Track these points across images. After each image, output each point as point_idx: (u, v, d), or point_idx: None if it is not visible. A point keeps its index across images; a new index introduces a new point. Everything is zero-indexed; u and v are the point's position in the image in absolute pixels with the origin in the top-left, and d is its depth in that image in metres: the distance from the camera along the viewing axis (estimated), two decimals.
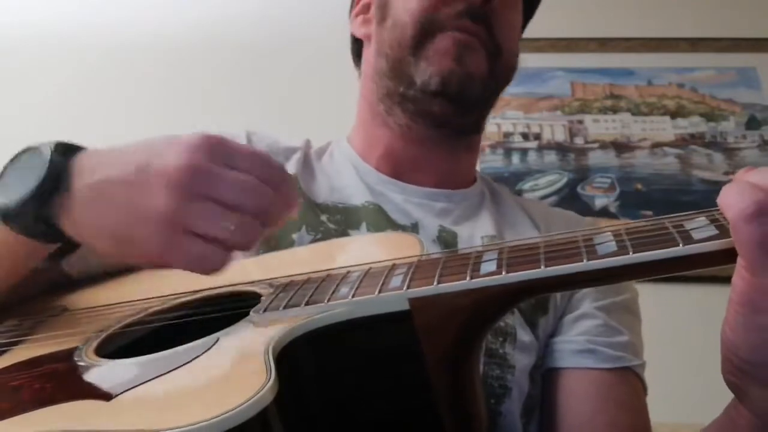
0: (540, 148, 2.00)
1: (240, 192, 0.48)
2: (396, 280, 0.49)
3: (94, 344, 0.54)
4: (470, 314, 0.47)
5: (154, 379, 0.44)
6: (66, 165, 0.53)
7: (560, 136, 2.03)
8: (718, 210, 0.43)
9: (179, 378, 0.44)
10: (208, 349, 0.47)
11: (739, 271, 0.40)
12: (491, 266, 0.47)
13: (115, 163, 0.51)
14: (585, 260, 0.44)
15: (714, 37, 2.08)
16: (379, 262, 0.54)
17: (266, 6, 2.17)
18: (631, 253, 0.43)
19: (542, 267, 0.45)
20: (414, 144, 0.82)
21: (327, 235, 0.74)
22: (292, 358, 0.45)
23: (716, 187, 1.90)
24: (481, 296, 0.46)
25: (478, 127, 0.86)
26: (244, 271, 0.61)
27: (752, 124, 2.01)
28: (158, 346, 0.49)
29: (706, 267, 0.42)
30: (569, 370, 0.73)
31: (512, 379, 0.69)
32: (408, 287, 0.47)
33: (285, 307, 0.50)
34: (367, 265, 0.54)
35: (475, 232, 0.78)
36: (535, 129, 2.03)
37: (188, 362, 0.45)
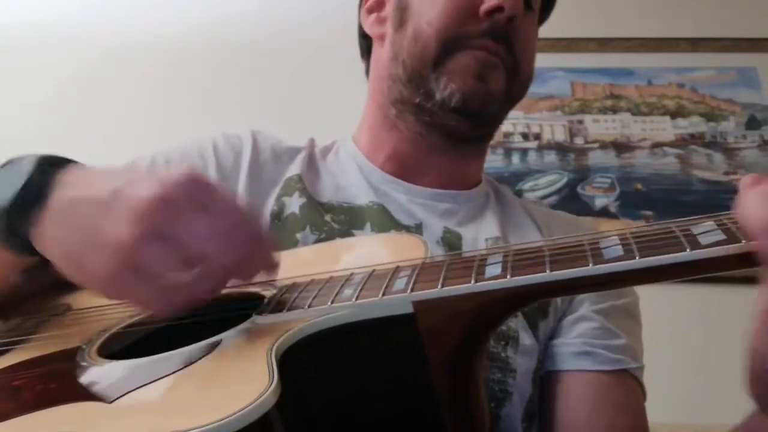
0: (540, 148, 2.01)
1: (206, 240, 0.44)
2: (400, 283, 0.49)
3: (97, 344, 0.54)
4: (474, 317, 0.46)
5: (155, 381, 0.44)
6: (49, 179, 0.51)
7: (560, 136, 2.03)
8: (726, 214, 0.42)
9: (181, 381, 0.44)
10: (211, 351, 0.46)
11: (766, 281, 0.39)
12: (496, 269, 0.47)
13: (94, 182, 0.49)
14: (591, 264, 0.44)
15: (714, 37, 2.08)
16: (383, 264, 0.54)
17: (266, 6, 2.17)
18: (637, 257, 0.43)
19: (548, 271, 0.45)
20: (423, 149, 0.81)
21: (331, 235, 0.74)
22: (294, 361, 0.45)
23: (716, 187, 1.90)
24: (486, 300, 0.46)
25: (489, 136, 0.87)
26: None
27: (752, 124, 2.01)
28: (161, 346, 0.49)
29: (714, 272, 0.42)
30: (567, 372, 0.73)
31: (513, 383, 0.69)
32: (412, 290, 0.47)
33: (288, 309, 0.49)
34: (370, 267, 0.54)
35: (480, 234, 0.78)
36: (535, 129, 2.03)
37: (190, 365, 0.45)
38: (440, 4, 0.76)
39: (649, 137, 2.01)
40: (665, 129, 2.02)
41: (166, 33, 2.14)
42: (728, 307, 1.68)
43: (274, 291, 0.55)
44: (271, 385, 0.39)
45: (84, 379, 0.48)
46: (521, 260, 0.47)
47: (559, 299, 0.76)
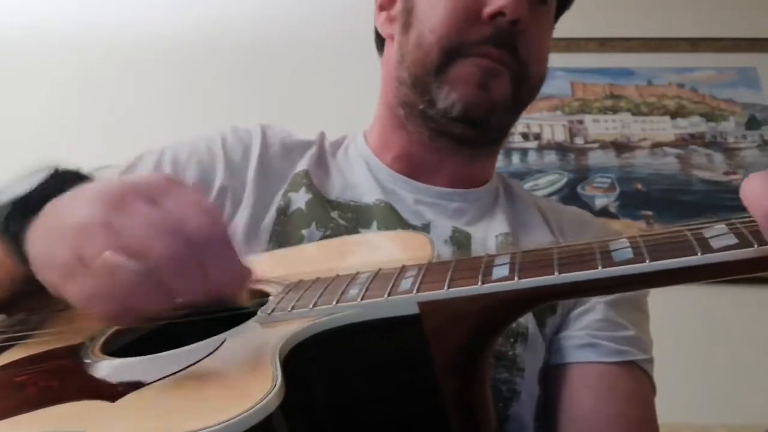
0: (540, 148, 2.01)
1: (143, 227, 0.40)
2: (406, 283, 0.48)
3: (101, 341, 0.53)
4: (481, 319, 0.46)
5: (159, 380, 0.44)
6: (56, 191, 0.50)
7: (560, 136, 2.03)
8: (739, 218, 0.42)
9: (184, 381, 0.43)
10: (215, 350, 0.46)
11: None
12: (503, 271, 0.46)
13: (88, 187, 0.48)
14: (600, 267, 0.43)
15: (714, 37, 2.08)
16: (389, 263, 0.54)
17: (266, 6, 2.17)
18: (647, 260, 0.42)
19: (556, 273, 0.44)
20: (431, 151, 0.80)
21: (337, 232, 0.73)
22: (299, 361, 0.44)
23: (716, 187, 1.90)
24: (493, 301, 0.45)
25: (500, 140, 0.85)
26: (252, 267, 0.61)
27: (752, 124, 2.01)
28: (165, 343, 0.48)
29: (725, 277, 0.41)
30: (572, 365, 0.72)
31: (521, 382, 0.69)
32: (418, 291, 0.46)
33: (293, 308, 0.49)
34: (376, 266, 0.54)
35: (489, 232, 0.77)
36: (535, 129, 2.03)
37: (194, 364, 0.45)
38: (442, 10, 0.75)
39: (649, 137, 2.01)
40: (665, 129, 2.02)
41: (166, 33, 2.13)
42: (729, 308, 1.69)
43: (280, 288, 0.55)
44: (274, 386, 0.39)
45: (87, 376, 0.48)
46: (529, 262, 0.47)
47: None
